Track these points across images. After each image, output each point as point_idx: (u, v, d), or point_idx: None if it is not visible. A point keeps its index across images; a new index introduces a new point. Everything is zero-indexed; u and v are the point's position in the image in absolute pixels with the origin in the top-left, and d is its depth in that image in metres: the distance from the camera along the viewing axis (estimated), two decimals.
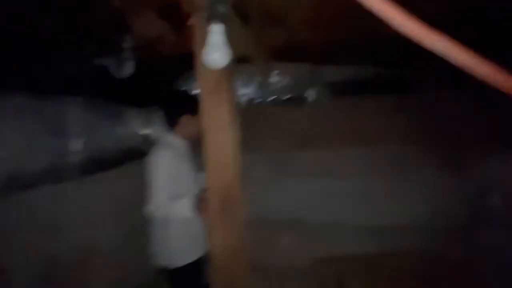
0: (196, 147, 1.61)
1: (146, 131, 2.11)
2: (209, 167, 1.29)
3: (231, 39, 0.98)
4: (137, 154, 1.99)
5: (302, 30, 2.12)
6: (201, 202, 1.43)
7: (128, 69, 2.09)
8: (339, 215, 2.56)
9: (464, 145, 2.39)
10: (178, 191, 1.57)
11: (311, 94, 2.40)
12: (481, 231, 2.23)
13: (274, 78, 2.28)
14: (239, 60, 1.62)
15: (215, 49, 0.83)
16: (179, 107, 1.67)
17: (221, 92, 1.22)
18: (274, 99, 2.34)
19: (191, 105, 1.58)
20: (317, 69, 2.50)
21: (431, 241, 2.37)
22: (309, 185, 2.58)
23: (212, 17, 0.85)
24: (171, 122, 1.67)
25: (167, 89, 1.95)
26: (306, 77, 2.42)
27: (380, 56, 2.62)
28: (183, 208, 1.49)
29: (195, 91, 1.94)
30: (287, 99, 2.37)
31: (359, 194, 2.54)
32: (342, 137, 2.53)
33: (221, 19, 0.86)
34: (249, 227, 1.38)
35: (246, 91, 2.26)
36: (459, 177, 2.38)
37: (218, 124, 1.28)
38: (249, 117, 1.95)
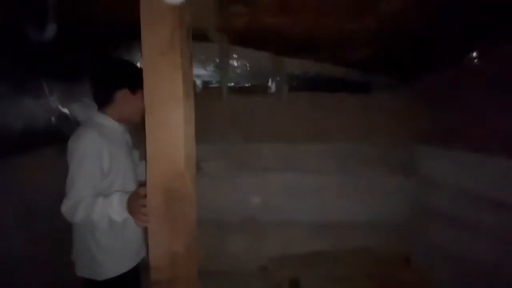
0: (137, 131, 1.31)
1: (68, 108, 1.69)
2: (151, 156, 1.00)
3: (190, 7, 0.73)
4: (54, 136, 1.58)
5: (268, 14, 1.93)
6: (135, 201, 1.07)
7: (50, 32, 1.66)
8: (293, 212, 2.43)
9: (413, 143, 2.46)
10: (109, 186, 1.24)
11: (272, 85, 2.21)
12: (428, 228, 2.28)
13: (234, 62, 2.03)
14: (196, 37, 1.36)
15: None
16: (114, 78, 1.31)
17: (173, 55, 0.94)
18: (232, 86, 2.10)
19: (130, 76, 1.26)
20: (279, 59, 2.34)
21: (385, 238, 2.38)
22: (264, 180, 2.41)
23: None
24: (103, 98, 1.31)
25: (99, 57, 1.53)
26: (268, 66, 2.22)
27: (341, 55, 2.65)
28: (112, 208, 1.13)
29: (137, 62, 1.60)
30: (247, 87, 2.14)
31: (314, 191, 2.44)
32: (300, 131, 2.41)
33: None
34: (198, 228, 1.13)
35: (201, 73, 1.97)
36: (409, 175, 2.42)
37: (167, 100, 0.99)
38: (202, 102, 1.68)
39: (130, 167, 1.36)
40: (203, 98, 1.86)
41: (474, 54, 2.19)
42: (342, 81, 2.81)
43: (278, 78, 2.25)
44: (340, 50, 2.67)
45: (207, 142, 2.13)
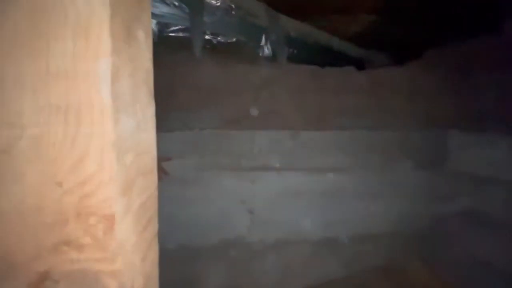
0: None
1: None
2: None
3: None
4: None
5: None
6: None
7: None
8: (294, 227, 1.79)
9: (441, 129, 1.97)
10: None
11: (267, 46, 1.48)
12: (464, 236, 1.82)
13: (214, 1, 1.25)
14: None
15: None
16: None
17: None
18: (208, 39, 1.31)
19: None
20: (275, 14, 1.64)
21: (410, 250, 1.86)
22: (253, 184, 1.73)
23: None
24: None
25: None
26: (262, 18, 1.49)
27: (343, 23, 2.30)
28: None
29: None
30: (231, 43, 1.37)
31: (320, 196, 1.83)
32: (303, 115, 1.74)
33: None
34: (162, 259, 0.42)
35: (158, 10, 1.14)
36: (438, 168, 1.93)
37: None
38: (159, 62, 0.87)
39: None
40: (161, 56, 1.06)
41: None
42: (341, 54, 2.46)
43: (274, 37, 1.52)
44: (343, 16, 2.22)
45: (167, 128, 1.38)
